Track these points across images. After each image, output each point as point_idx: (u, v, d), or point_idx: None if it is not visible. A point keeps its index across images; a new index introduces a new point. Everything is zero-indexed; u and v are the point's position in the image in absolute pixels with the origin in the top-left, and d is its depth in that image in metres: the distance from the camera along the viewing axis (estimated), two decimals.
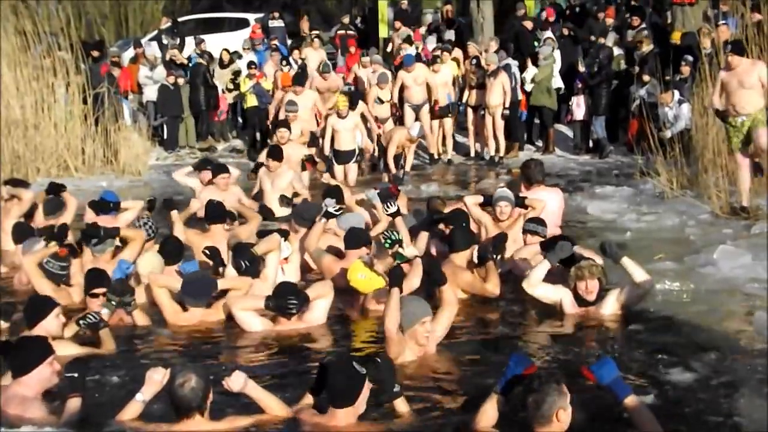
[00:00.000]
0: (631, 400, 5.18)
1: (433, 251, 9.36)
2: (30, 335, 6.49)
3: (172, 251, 8.90)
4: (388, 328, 6.57)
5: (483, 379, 6.43)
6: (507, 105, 17.08)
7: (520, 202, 9.58)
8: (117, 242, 9.09)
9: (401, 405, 5.66)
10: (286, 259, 9.07)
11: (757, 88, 11.02)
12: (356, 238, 8.84)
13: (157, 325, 8.03)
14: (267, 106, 18.25)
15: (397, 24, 21.39)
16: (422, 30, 21.23)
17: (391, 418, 5.63)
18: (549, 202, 9.96)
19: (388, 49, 20.53)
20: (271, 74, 19.00)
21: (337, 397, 5.42)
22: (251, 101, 19.23)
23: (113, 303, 7.76)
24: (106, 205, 10.62)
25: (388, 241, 8.64)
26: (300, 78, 16.97)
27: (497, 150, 17.46)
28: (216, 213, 9.93)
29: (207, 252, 8.87)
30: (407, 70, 17.54)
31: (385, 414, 5.65)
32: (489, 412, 5.35)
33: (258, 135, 19.16)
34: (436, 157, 17.70)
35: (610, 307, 7.81)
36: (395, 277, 6.82)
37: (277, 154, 12.63)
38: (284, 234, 9.01)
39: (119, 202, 10.82)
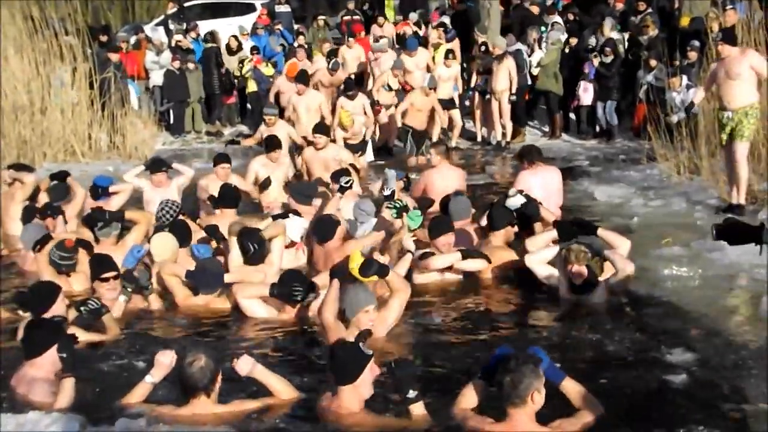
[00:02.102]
0: (567, 383, 5.37)
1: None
2: (42, 317, 6.47)
3: (181, 234, 8.87)
4: (324, 317, 6.75)
5: (441, 362, 6.62)
6: (513, 90, 17.06)
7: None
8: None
9: (417, 410, 5.43)
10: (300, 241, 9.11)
11: (746, 79, 10.50)
12: (325, 228, 8.92)
13: (169, 309, 8.09)
14: (266, 92, 18.25)
15: (381, 20, 21.29)
16: (414, 18, 21.09)
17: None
18: (549, 181, 10.07)
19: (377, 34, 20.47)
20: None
21: (340, 374, 5.47)
22: (251, 86, 19.25)
23: (129, 290, 7.80)
24: (95, 190, 10.65)
25: (395, 210, 8.71)
26: (303, 76, 15.52)
27: (503, 135, 17.45)
28: (230, 197, 9.93)
29: (207, 230, 8.95)
30: (410, 55, 17.54)
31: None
32: (469, 396, 5.44)
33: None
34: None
35: (600, 295, 7.79)
36: (336, 270, 7.04)
37: (274, 144, 12.28)
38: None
39: (107, 186, 10.79)
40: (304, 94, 15.26)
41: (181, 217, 9.40)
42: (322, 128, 12.93)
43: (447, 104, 17.24)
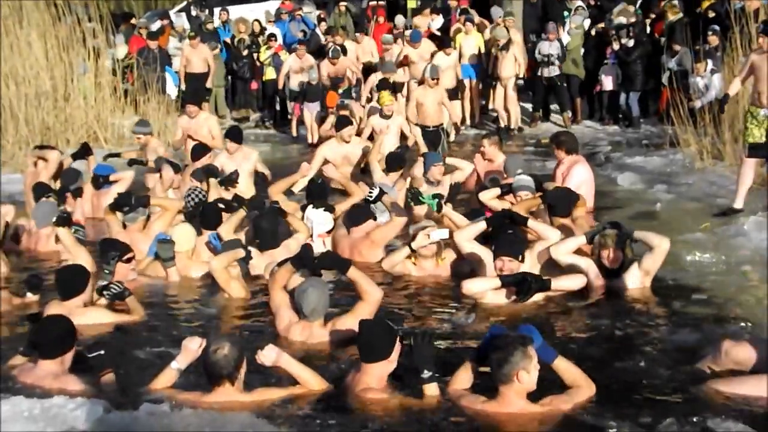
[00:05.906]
0: (559, 362, 5.45)
1: None
2: (53, 315, 6.33)
3: (211, 218, 8.88)
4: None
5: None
6: (521, 74, 17.06)
7: (538, 186, 9.37)
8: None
9: (430, 390, 5.46)
10: (329, 232, 9.13)
11: None
12: (360, 213, 9.03)
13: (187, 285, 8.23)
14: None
15: (426, 11, 21.06)
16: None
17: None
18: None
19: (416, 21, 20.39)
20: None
21: (366, 352, 5.53)
22: (269, 74, 19.21)
23: (107, 272, 7.77)
24: (96, 180, 10.68)
25: (410, 196, 8.96)
26: (235, 134, 12.26)
27: (515, 121, 17.46)
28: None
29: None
30: (413, 46, 17.33)
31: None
32: (463, 376, 5.53)
33: (278, 107, 19.40)
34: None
35: (635, 278, 7.71)
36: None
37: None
38: (330, 209, 9.17)
39: (108, 175, 10.82)
40: (234, 153, 12.02)
41: None
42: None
43: (448, 94, 16.70)
